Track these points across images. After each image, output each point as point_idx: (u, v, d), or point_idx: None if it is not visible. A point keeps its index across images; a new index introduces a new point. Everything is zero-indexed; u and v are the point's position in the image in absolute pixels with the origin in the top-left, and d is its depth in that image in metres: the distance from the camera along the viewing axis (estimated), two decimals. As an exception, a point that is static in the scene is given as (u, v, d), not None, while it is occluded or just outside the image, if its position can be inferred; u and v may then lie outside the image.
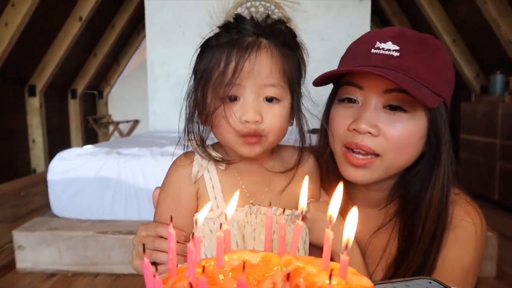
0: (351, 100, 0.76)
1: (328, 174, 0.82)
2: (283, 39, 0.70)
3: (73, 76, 6.41)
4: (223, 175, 0.75)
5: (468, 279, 0.78)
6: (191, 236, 0.70)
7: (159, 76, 4.68)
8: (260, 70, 0.66)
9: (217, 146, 0.77)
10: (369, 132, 0.72)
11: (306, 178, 0.45)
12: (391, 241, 0.81)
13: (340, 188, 0.40)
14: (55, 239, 2.38)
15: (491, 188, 3.83)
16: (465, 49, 5.04)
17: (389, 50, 0.72)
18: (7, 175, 4.72)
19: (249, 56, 0.65)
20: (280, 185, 0.76)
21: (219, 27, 0.71)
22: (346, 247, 0.35)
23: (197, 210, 0.75)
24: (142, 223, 0.79)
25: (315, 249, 0.77)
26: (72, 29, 5.11)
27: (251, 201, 0.75)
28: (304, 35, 0.79)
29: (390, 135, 0.72)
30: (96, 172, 2.54)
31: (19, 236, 2.39)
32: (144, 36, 5.51)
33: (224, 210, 0.43)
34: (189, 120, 0.73)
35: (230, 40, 0.67)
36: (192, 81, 0.74)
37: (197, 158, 0.74)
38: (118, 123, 7.67)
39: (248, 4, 4.53)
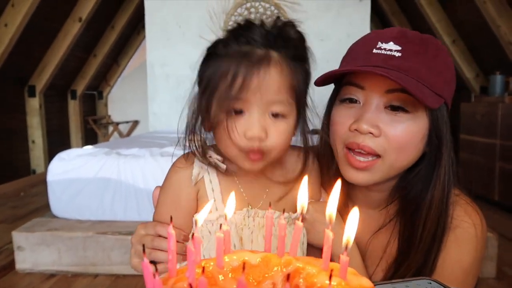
0: (352, 100, 0.76)
1: (329, 174, 0.82)
2: (293, 50, 0.68)
3: (73, 77, 6.41)
4: (222, 178, 0.75)
5: (468, 280, 0.78)
6: (190, 236, 0.71)
7: (159, 76, 4.68)
8: (268, 86, 0.64)
9: (217, 148, 0.77)
10: (370, 133, 0.72)
11: (305, 178, 0.45)
12: (391, 242, 0.81)
13: (337, 187, 0.40)
14: (54, 239, 2.38)
15: (491, 189, 3.83)
16: (464, 49, 5.05)
17: (390, 50, 0.72)
18: (6, 176, 4.72)
19: (258, 72, 0.63)
20: (280, 190, 0.76)
21: (227, 31, 0.69)
22: (346, 247, 0.35)
23: (196, 211, 0.75)
24: (142, 222, 0.79)
25: (314, 249, 0.77)
26: (72, 30, 5.11)
27: (249, 205, 0.75)
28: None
29: (391, 136, 0.72)
30: (95, 172, 2.53)
31: (19, 237, 2.38)
32: (144, 37, 5.51)
33: (223, 212, 0.43)
34: (191, 129, 0.71)
35: (239, 52, 0.65)
36: (197, 86, 0.72)
37: (198, 160, 0.74)
38: (117, 123, 7.67)
39: (248, 5, 4.53)
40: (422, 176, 0.78)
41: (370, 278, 0.77)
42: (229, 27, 0.71)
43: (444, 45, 0.78)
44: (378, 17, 6.64)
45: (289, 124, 0.68)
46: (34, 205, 3.75)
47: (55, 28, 5.05)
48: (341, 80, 0.79)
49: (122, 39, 6.96)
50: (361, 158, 0.74)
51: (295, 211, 0.76)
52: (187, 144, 0.72)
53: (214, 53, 0.69)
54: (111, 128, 7.81)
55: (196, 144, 0.72)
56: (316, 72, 0.74)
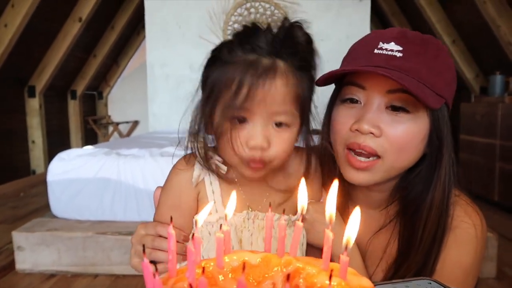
0: (353, 101, 0.76)
1: (330, 175, 0.82)
2: (300, 58, 0.67)
3: (72, 77, 6.41)
4: (223, 180, 0.75)
5: (468, 280, 0.78)
6: (190, 237, 0.71)
7: (158, 77, 4.68)
8: (273, 98, 0.63)
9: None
10: (371, 133, 0.71)
11: (303, 179, 0.44)
12: (392, 242, 0.81)
13: (335, 187, 0.40)
14: (54, 240, 2.38)
15: (491, 189, 3.83)
16: (464, 49, 5.05)
17: (392, 50, 0.72)
18: (6, 176, 4.72)
19: (264, 83, 0.62)
20: (280, 194, 0.76)
21: (233, 34, 0.68)
22: (346, 247, 0.35)
23: (197, 213, 0.75)
24: (141, 223, 0.79)
25: (314, 250, 0.77)
26: (71, 30, 5.11)
27: (249, 207, 0.75)
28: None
29: (392, 136, 0.72)
30: (95, 172, 2.53)
31: (19, 237, 2.38)
32: (144, 37, 5.51)
33: (223, 214, 0.43)
34: (194, 132, 0.71)
35: (244, 60, 0.64)
36: (200, 90, 0.72)
37: (198, 162, 0.74)
38: (117, 124, 7.67)
39: (248, 5, 4.53)
40: (422, 177, 0.78)
41: (370, 278, 0.77)
42: (235, 30, 0.69)
43: (444, 46, 0.78)
44: (378, 18, 6.64)
45: (292, 133, 0.68)
46: (34, 205, 3.75)
47: (55, 29, 5.05)
48: (342, 80, 0.79)
49: (122, 39, 6.96)
50: (362, 158, 0.74)
51: (295, 214, 0.76)
52: (190, 146, 0.72)
53: (218, 57, 0.67)
54: (111, 128, 7.81)
55: (199, 148, 0.72)
56: (316, 72, 0.74)
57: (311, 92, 0.71)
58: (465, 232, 0.77)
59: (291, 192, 0.75)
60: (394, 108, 0.72)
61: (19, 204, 3.85)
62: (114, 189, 2.53)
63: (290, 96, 0.65)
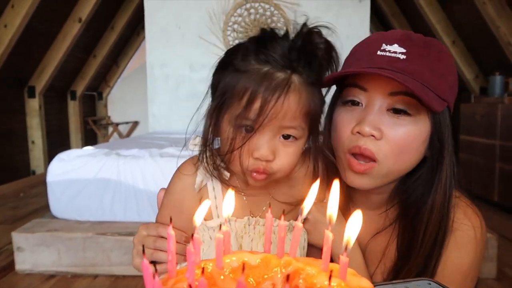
0: (354, 103, 0.75)
1: (333, 175, 0.81)
2: (315, 68, 0.66)
3: (72, 78, 6.41)
4: (226, 186, 0.75)
5: (467, 282, 0.78)
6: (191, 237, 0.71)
7: (158, 77, 4.68)
8: (284, 113, 0.62)
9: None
10: (372, 135, 0.71)
11: (317, 182, 0.44)
12: (390, 245, 0.81)
13: (336, 187, 0.40)
14: (54, 240, 2.38)
15: (491, 189, 3.83)
16: (464, 50, 5.05)
17: (395, 52, 0.71)
18: (6, 177, 4.72)
19: (276, 98, 0.61)
20: (284, 198, 0.76)
21: (249, 39, 0.67)
22: (346, 248, 0.35)
23: None
24: (142, 223, 0.79)
25: (316, 250, 0.77)
26: (71, 31, 5.11)
27: (251, 213, 0.75)
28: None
29: (393, 139, 0.71)
30: (95, 173, 2.53)
31: (18, 238, 2.38)
32: (144, 37, 5.51)
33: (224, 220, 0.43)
34: (206, 141, 0.70)
35: (258, 72, 0.62)
36: (210, 93, 0.71)
37: (202, 168, 0.74)
38: (117, 124, 7.67)
39: (248, 6, 4.53)
40: (423, 180, 0.77)
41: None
42: (253, 34, 0.68)
43: (447, 48, 0.78)
44: (378, 18, 6.64)
45: (299, 146, 0.67)
46: (34, 205, 3.75)
47: (54, 29, 5.05)
48: (343, 81, 0.79)
49: (122, 40, 6.96)
50: (362, 161, 0.73)
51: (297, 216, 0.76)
52: (199, 153, 0.71)
53: (232, 63, 0.66)
54: (110, 129, 7.81)
55: (207, 156, 0.71)
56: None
57: (322, 105, 0.70)
58: (465, 234, 0.77)
59: (294, 204, 0.75)
60: (396, 111, 0.72)
61: (19, 205, 3.85)
62: (114, 189, 2.53)
63: (302, 112, 0.64)
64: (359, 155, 0.73)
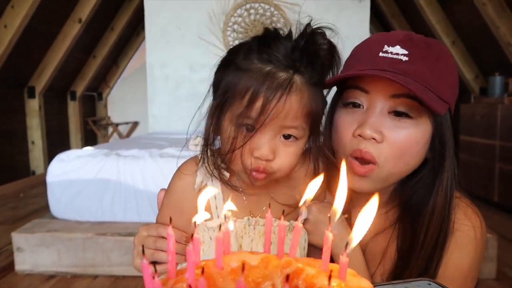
0: (355, 105, 0.75)
1: (333, 176, 0.81)
2: (318, 69, 0.66)
3: (72, 78, 6.41)
4: (226, 186, 0.74)
5: (467, 283, 0.78)
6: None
7: (158, 78, 4.68)
8: (286, 113, 0.62)
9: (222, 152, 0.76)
10: (373, 138, 0.71)
11: (319, 178, 0.44)
12: (390, 246, 0.81)
13: (343, 187, 0.40)
14: (54, 241, 2.38)
15: (491, 190, 3.83)
16: (464, 50, 5.05)
17: (397, 54, 0.71)
18: (6, 177, 4.72)
19: (278, 98, 0.61)
20: (284, 198, 0.75)
21: (252, 38, 0.67)
22: (346, 248, 0.35)
23: None
24: (142, 224, 0.79)
25: (317, 250, 0.77)
26: (71, 31, 5.12)
27: (251, 213, 0.75)
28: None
29: (394, 142, 0.71)
30: (95, 173, 2.53)
31: (18, 238, 2.38)
32: (144, 38, 5.51)
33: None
34: (207, 140, 0.70)
35: (260, 71, 0.62)
36: (211, 91, 0.71)
37: (202, 167, 0.74)
38: (117, 124, 7.67)
39: (248, 6, 4.53)
40: (424, 183, 0.77)
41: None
42: (252, 35, 0.68)
43: (447, 48, 0.77)
44: (378, 19, 6.65)
45: (299, 146, 0.67)
46: (34, 206, 3.75)
47: (54, 29, 5.05)
48: (344, 82, 0.79)
49: (122, 40, 6.96)
50: (362, 164, 0.73)
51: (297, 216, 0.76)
52: (200, 153, 0.71)
53: (234, 61, 0.66)
54: (110, 129, 7.81)
55: (209, 155, 0.71)
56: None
57: (323, 106, 0.70)
58: (465, 235, 0.77)
59: (294, 206, 0.74)
60: (397, 114, 0.71)
61: (19, 205, 3.85)
62: (113, 190, 2.53)
63: (303, 112, 0.64)
64: (360, 158, 0.73)
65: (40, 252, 2.38)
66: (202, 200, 0.40)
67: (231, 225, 0.39)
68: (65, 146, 6.18)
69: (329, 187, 0.81)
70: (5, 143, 4.86)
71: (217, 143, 0.72)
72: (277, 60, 0.63)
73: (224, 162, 0.72)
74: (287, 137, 0.65)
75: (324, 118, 0.73)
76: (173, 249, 0.35)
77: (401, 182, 0.80)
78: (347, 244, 0.35)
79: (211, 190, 0.41)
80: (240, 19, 4.54)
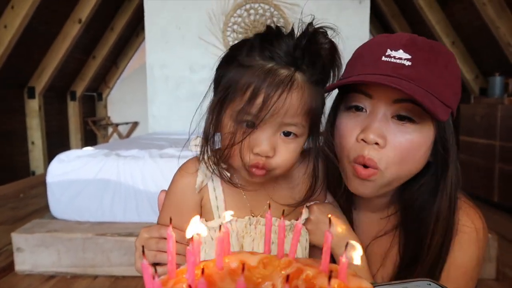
0: (358, 108, 0.74)
1: (334, 176, 0.81)
2: (319, 68, 0.66)
3: (72, 78, 6.41)
4: (226, 186, 0.74)
5: (468, 284, 0.78)
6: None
7: (158, 78, 4.68)
8: (286, 110, 0.62)
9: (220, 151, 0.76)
10: (376, 143, 0.70)
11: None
12: (392, 248, 0.81)
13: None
14: (54, 241, 2.38)
15: (491, 190, 3.83)
16: (464, 51, 5.06)
17: (400, 58, 0.70)
18: (6, 177, 4.71)
19: (279, 94, 0.61)
20: (284, 198, 0.75)
21: (254, 35, 0.67)
22: (346, 248, 0.35)
23: (200, 217, 0.75)
24: (141, 225, 0.79)
25: (319, 250, 0.77)
26: (71, 31, 5.12)
27: (252, 213, 0.75)
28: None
29: (396, 146, 0.70)
30: (95, 174, 2.53)
31: (18, 238, 2.38)
32: (143, 38, 5.51)
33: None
34: (207, 138, 0.70)
35: (262, 68, 0.63)
36: (212, 88, 0.71)
37: (202, 167, 0.74)
38: (117, 125, 7.67)
39: (248, 6, 4.53)
40: (427, 187, 0.76)
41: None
42: (258, 31, 0.68)
43: (452, 53, 0.75)
44: (378, 19, 6.65)
45: (299, 143, 0.67)
46: (34, 206, 3.75)
47: (54, 30, 5.06)
48: (346, 85, 0.78)
49: (122, 40, 6.97)
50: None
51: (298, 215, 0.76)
52: (200, 150, 0.71)
53: (236, 58, 0.66)
54: (110, 130, 7.81)
55: (209, 152, 0.71)
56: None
57: (323, 106, 0.70)
58: (468, 236, 0.76)
59: (295, 206, 0.74)
60: (400, 118, 0.71)
61: (19, 205, 3.84)
62: (113, 190, 2.53)
63: (303, 110, 0.64)
64: (363, 165, 0.72)
65: (40, 253, 2.38)
66: (191, 230, 0.39)
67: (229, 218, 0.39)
68: (65, 146, 6.18)
69: (329, 187, 0.81)
70: (5, 143, 4.86)
71: (217, 143, 0.72)
72: (278, 57, 0.63)
73: (224, 160, 0.71)
74: (287, 134, 0.65)
75: (324, 118, 0.73)
76: (173, 250, 0.35)
77: (403, 185, 0.79)
78: (347, 244, 0.35)
79: (196, 219, 0.40)
80: (240, 19, 4.54)
